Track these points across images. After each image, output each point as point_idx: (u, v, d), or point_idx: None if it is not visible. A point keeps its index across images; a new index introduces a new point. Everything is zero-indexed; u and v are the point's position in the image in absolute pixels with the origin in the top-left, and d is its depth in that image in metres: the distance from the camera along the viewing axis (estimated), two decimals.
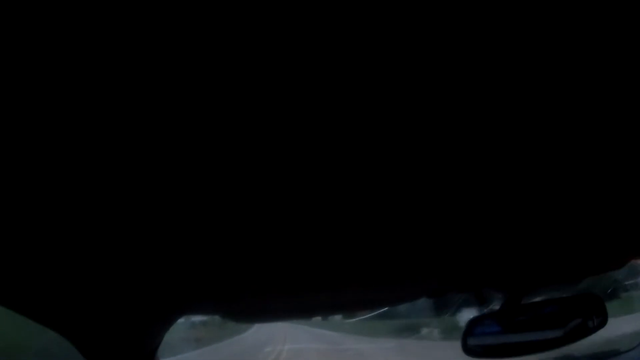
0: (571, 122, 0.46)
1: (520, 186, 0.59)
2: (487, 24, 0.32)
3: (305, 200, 0.55)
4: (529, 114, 0.43)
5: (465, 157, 0.49)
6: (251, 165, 0.46)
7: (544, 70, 0.37)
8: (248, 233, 0.64)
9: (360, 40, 0.32)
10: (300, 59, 0.33)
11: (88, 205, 0.51)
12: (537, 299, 1.15)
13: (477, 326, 1.14)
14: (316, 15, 0.29)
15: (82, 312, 0.74)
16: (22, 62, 0.31)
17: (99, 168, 0.44)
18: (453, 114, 0.42)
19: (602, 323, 1.05)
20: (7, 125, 0.36)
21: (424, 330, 11.54)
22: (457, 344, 1.20)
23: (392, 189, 0.55)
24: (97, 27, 0.28)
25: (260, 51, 0.32)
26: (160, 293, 0.86)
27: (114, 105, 0.36)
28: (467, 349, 1.14)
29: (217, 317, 1.25)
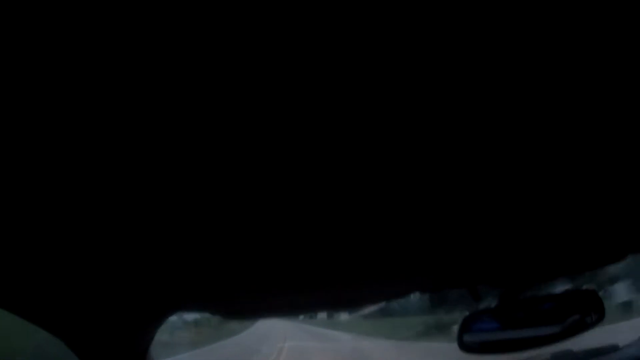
0: (568, 119, 0.46)
1: (516, 182, 0.59)
2: (487, 23, 0.32)
3: (302, 199, 0.55)
4: (526, 111, 0.43)
5: (460, 153, 0.49)
6: (249, 164, 0.46)
7: (542, 69, 0.38)
8: (243, 230, 0.64)
9: (361, 40, 0.32)
10: (300, 59, 0.33)
11: (83, 204, 0.51)
12: (534, 294, 1.15)
13: (474, 322, 1.14)
14: (317, 15, 0.29)
15: (74, 310, 0.74)
16: (23, 62, 0.30)
17: (96, 167, 0.44)
18: (448, 111, 0.42)
19: (600, 318, 1.05)
20: (7, 125, 0.37)
21: (420, 327, 11.64)
22: (452, 342, 1.20)
23: (388, 187, 0.55)
24: (98, 27, 0.28)
25: (261, 52, 0.32)
26: (152, 290, 0.86)
27: (114, 105, 0.36)
28: (463, 345, 1.14)
29: (213, 317, 1.25)
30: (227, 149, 0.43)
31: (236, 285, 0.91)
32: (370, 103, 0.39)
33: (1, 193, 0.46)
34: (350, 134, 0.43)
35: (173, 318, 1.07)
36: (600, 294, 1.10)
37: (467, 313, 1.17)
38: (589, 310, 1.06)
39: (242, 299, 1.06)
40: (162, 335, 1.03)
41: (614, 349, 1.35)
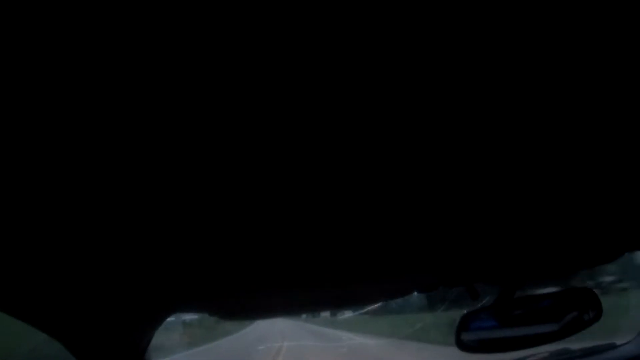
0: (565, 118, 0.46)
1: (513, 181, 0.59)
2: (487, 23, 0.32)
3: (300, 198, 0.55)
4: (523, 111, 0.43)
5: (457, 153, 0.49)
6: (248, 164, 0.46)
7: (541, 69, 0.38)
8: (242, 230, 0.64)
9: (361, 40, 0.32)
10: (300, 60, 0.33)
11: (81, 204, 0.51)
12: (531, 293, 1.15)
13: (471, 321, 1.14)
14: (317, 15, 0.29)
15: (71, 311, 0.74)
16: (23, 62, 0.30)
17: (94, 167, 0.44)
18: (448, 111, 0.42)
19: (597, 316, 1.05)
20: (8, 125, 0.37)
21: (419, 326, 11.65)
22: (451, 340, 1.20)
23: (385, 186, 0.55)
24: (98, 27, 0.28)
25: (261, 52, 0.32)
26: (150, 291, 0.86)
27: (114, 105, 0.36)
28: (461, 344, 1.14)
29: (204, 318, 1.24)
30: (227, 149, 0.43)
31: (235, 285, 0.91)
32: (371, 103, 0.39)
33: (0, 193, 0.46)
34: (351, 134, 0.43)
35: (171, 319, 1.07)
36: (597, 292, 1.11)
37: (465, 311, 1.17)
38: (587, 308, 1.06)
39: (242, 298, 1.06)
40: (155, 338, 1.02)
41: (611, 347, 1.35)
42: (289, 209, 0.58)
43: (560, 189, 0.64)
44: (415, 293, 1.26)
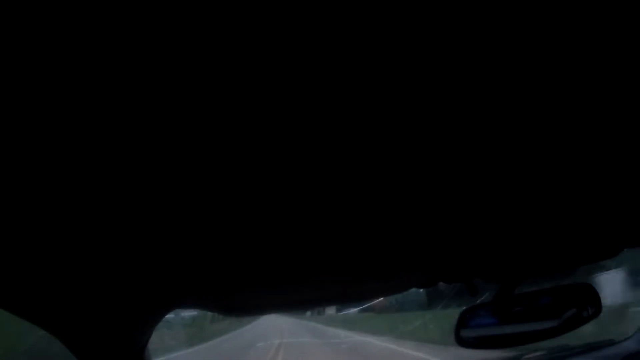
0: (565, 116, 0.46)
1: (512, 177, 0.59)
2: (487, 24, 0.32)
3: (301, 196, 0.55)
4: (524, 109, 0.43)
5: (458, 151, 0.49)
6: (249, 163, 0.46)
7: (541, 69, 0.38)
8: (241, 228, 0.64)
9: (361, 41, 0.32)
10: (300, 60, 0.33)
11: (80, 203, 0.51)
12: (530, 289, 1.15)
13: (470, 317, 1.14)
14: (317, 15, 0.29)
15: (71, 308, 0.74)
16: (23, 62, 0.30)
17: (95, 166, 0.44)
18: (447, 111, 0.42)
19: (597, 312, 1.06)
20: (8, 125, 0.36)
21: (418, 322, 11.70)
22: (450, 336, 1.20)
23: (386, 185, 0.55)
24: (98, 26, 0.28)
25: (261, 52, 0.32)
26: (151, 288, 0.86)
27: (114, 105, 0.36)
28: (460, 340, 1.14)
29: (207, 315, 1.25)
30: (227, 149, 0.43)
31: (235, 281, 0.91)
32: (371, 103, 0.39)
33: (1, 192, 0.46)
34: (351, 134, 0.43)
35: (170, 315, 1.07)
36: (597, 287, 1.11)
37: (464, 308, 1.17)
38: (586, 304, 1.06)
39: (242, 295, 1.06)
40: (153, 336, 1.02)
41: (610, 343, 1.36)
42: (290, 206, 0.58)
43: (560, 185, 0.64)
44: (415, 290, 1.27)
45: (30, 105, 0.35)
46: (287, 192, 0.54)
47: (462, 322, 1.14)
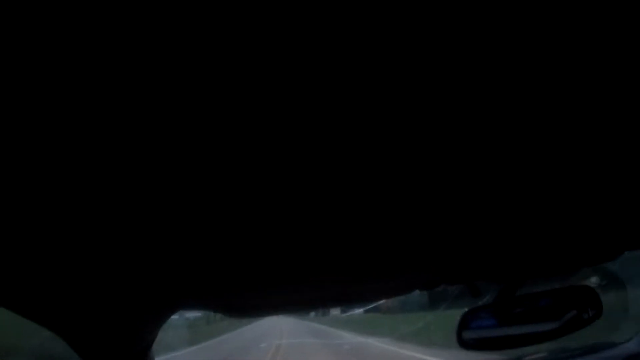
0: (565, 117, 0.46)
1: (513, 179, 0.59)
2: (487, 24, 0.32)
3: (302, 197, 0.55)
4: (524, 110, 0.43)
5: (459, 152, 0.49)
6: (249, 163, 0.46)
7: (541, 69, 0.38)
8: (243, 229, 0.63)
9: (361, 41, 0.32)
10: (300, 60, 0.33)
11: (84, 203, 0.51)
12: (531, 291, 1.15)
13: (472, 319, 1.14)
14: (317, 15, 0.29)
15: (76, 309, 0.74)
16: (22, 62, 0.30)
17: (96, 166, 0.44)
18: (447, 111, 0.42)
19: (597, 315, 1.05)
20: (8, 125, 0.36)
21: (420, 324, 11.63)
22: (452, 338, 1.20)
23: (387, 185, 0.55)
24: (98, 26, 0.28)
25: (261, 52, 0.32)
26: (154, 289, 0.86)
27: (114, 106, 0.36)
28: (462, 342, 1.14)
29: (211, 314, 1.25)
30: (228, 150, 0.43)
31: (238, 282, 0.91)
32: (372, 102, 0.39)
33: (2, 192, 0.46)
34: (352, 134, 0.43)
35: (174, 317, 1.07)
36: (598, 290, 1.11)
37: (465, 310, 1.17)
38: (586, 307, 1.06)
39: (245, 296, 1.06)
40: (161, 331, 1.03)
41: (611, 345, 1.35)
42: (291, 207, 0.58)
43: (561, 187, 0.64)
44: (417, 291, 1.27)
45: (31, 105, 0.35)
46: (288, 193, 0.54)
47: (464, 324, 1.15)
